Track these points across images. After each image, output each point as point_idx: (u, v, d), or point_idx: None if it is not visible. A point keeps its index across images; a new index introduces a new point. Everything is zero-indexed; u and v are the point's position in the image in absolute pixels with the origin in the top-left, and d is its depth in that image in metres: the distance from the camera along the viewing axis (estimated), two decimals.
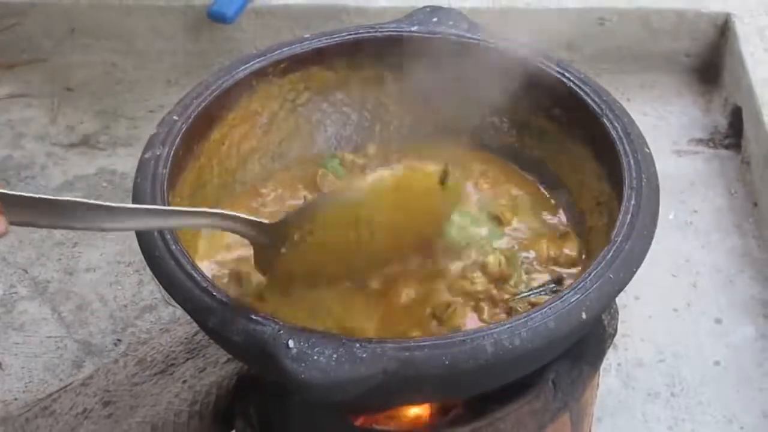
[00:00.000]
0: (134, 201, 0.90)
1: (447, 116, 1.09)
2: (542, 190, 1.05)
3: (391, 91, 1.11)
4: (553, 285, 0.95)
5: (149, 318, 1.50)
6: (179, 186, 0.95)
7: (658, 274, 1.53)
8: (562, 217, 1.02)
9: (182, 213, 0.83)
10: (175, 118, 0.97)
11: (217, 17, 1.87)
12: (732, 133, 1.78)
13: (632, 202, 0.89)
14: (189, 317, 0.88)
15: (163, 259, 0.84)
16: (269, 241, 0.83)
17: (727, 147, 1.77)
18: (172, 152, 0.94)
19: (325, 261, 0.84)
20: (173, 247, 0.85)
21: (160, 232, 0.86)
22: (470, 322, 0.91)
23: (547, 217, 1.02)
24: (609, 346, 1.04)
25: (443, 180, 0.87)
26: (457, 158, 0.98)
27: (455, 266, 0.95)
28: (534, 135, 1.06)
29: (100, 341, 1.47)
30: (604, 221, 0.94)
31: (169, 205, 0.90)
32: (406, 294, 0.92)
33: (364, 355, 0.75)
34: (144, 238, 0.87)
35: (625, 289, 0.85)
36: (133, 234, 0.88)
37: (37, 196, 0.71)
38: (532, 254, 0.97)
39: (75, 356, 1.46)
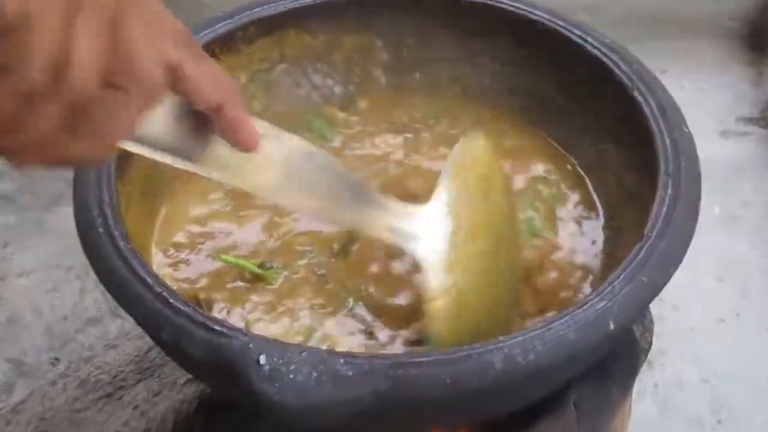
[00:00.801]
0: (75, 190, 0.90)
1: (447, 88, 1.10)
2: (560, 177, 1.05)
3: (382, 60, 1.11)
4: None
5: (93, 332, 1.50)
6: (129, 172, 0.95)
7: (700, 279, 1.54)
8: (586, 209, 1.02)
9: None
10: None
11: None
12: None
13: (668, 191, 0.89)
14: (140, 330, 0.88)
15: (108, 258, 0.84)
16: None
17: None
18: None
19: None
20: (121, 243, 0.85)
21: (105, 225, 0.86)
22: None
23: (567, 209, 1.02)
24: (642, 364, 1.04)
25: None
26: None
27: None
28: (550, 111, 1.06)
29: (34, 360, 1.47)
30: (636, 214, 0.94)
31: (118, 196, 0.90)
32: None
33: (350, 374, 0.75)
34: (86, 235, 0.87)
35: (662, 295, 0.86)
36: (74, 232, 0.88)
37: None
38: None
39: (5, 377, 1.46)
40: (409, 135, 1.08)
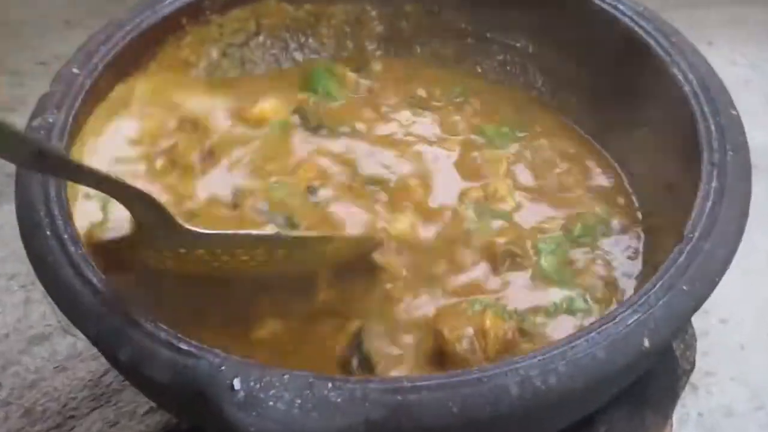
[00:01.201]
0: (18, 186, 0.90)
1: (453, 65, 1.10)
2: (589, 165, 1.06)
3: (377, 32, 1.11)
4: None
5: (40, 352, 1.49)
6: None
7: (752, 287, 1.54)
8: (618, 205, 1.02)
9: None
10: (75, 71, 0.98)
11: None
12: None
13: (713, 184, 0.89)
14: (94, 350, 0.88)
15: (57, 266, 0.84)
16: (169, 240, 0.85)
17: None
18: (71, 119, 0.94)
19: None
20: (71, 248, 0.85)
21: (53, 226, 0.86)
22: None
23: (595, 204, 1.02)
24: (684, 387, 1.05)
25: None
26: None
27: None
28: (574, 93, 1.06)
29: None
30: (675, 212, 0.94)
31: (66, 194, 0.90)
32: None
33: (340, 400, 0.75)
34: (31, 238, 0.87)
35: (706, 307, 0.86)
36: (17, 234, 0.88)
37: None
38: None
39: None
40: (433, 114, 1.09)
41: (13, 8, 1.95)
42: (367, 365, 0.90)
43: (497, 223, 0.99)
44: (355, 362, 0.90)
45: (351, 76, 1.10)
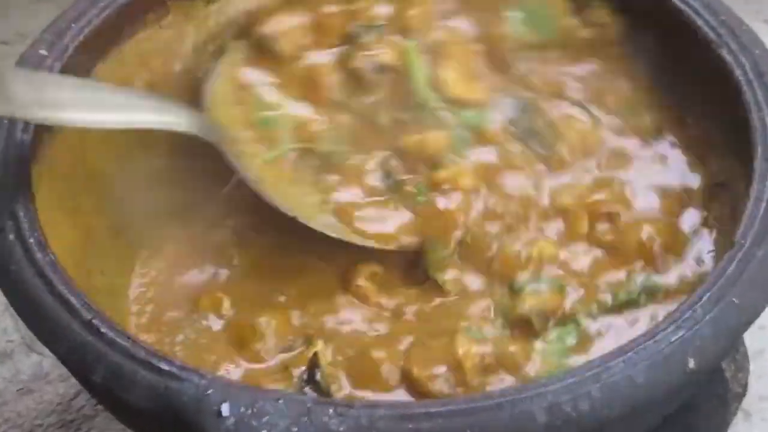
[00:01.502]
0: None
1: None
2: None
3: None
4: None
5: (1, 372, 1.50)
6: (48, 161, 0.95)
7: None
8: None
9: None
10: (43, 52, 0.98)
11: None
12: None
13: None
14: (63, 370, 0.88)
15: (22, 274, 0.85)
16: None
17: None
18: None
19: None
20: (38, 255, 0.85)
21: (17, 230, 0.86)
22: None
23: None
24: (735, 414, 1.04)
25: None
26: None
27: None
28: (610, 73, 1.06)
29: None
30: (725, 212, 0.94)
31: (32, 186, 0.90)
32: None
33: (342, 429, 0.75)
34: None
35: (761, 322, 0.86)
36: None
37: None
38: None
39: None
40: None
41: None
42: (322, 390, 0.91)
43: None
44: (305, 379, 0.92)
45: None
